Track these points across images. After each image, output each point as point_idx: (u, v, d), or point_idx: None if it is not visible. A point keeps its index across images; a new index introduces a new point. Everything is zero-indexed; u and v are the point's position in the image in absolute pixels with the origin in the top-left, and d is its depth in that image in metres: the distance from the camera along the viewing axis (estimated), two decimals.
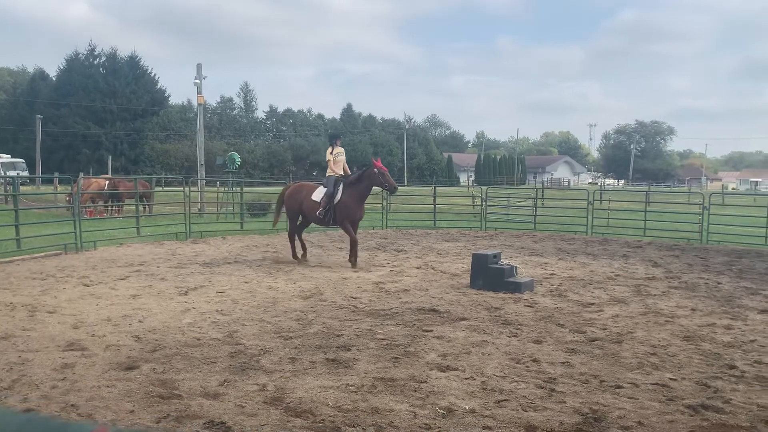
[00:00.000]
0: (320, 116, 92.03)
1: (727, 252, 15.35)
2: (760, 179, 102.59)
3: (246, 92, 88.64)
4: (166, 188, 34.76)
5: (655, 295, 9.54)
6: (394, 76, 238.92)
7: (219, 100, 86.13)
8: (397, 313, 7.94)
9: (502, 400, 4.95)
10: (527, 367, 5.85)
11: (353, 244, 11.77)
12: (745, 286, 10.48)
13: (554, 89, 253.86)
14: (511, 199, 27.09)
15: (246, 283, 9.93)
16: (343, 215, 11.78)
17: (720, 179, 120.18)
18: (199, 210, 22.51)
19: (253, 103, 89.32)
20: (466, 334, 6.97)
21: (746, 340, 6.96)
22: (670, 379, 5.55)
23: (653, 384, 5.40)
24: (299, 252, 12.53)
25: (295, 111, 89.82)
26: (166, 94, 73.79)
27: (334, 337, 6.74)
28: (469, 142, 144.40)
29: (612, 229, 19.57)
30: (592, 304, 8.76)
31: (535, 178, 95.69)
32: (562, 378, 5.53)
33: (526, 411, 4.75)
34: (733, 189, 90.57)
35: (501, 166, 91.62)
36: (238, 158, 25.69)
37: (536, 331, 7.14)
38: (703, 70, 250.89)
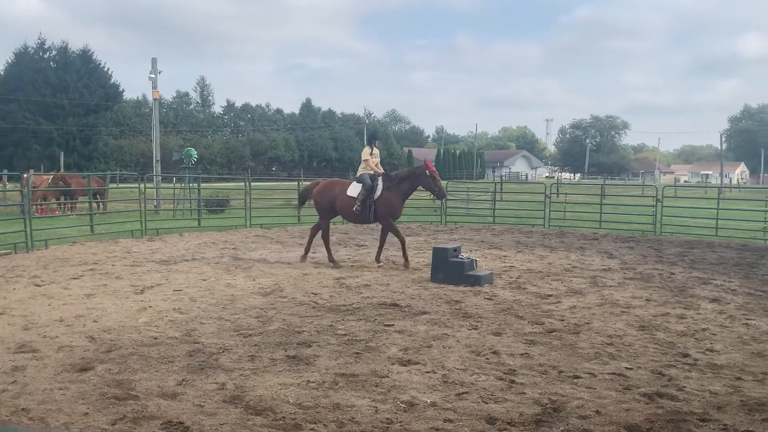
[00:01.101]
0: (279, 111, 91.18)
1: (679, 243, 15.78)
2: (710, 172, 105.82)
3: (203, 87, 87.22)
4: (120, 185, 34.01)
5: (611, 286, 9.73)
6: (354, 71, 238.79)
7: (175, 95, 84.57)
8: (358, 308, 7.92)
9: (462, 393, 4.98)
10: (487, 359, 5.89)
11: (402, 243, 11.39)
12: (697, 276, 10.78)
13: (512, 85, 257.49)
14: (470, 193, 27.33)
15: (204, 280, 9.76)
16: (385, 211, 11.38)
17: (672, 172, 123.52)
18: (155, 207, 22.07)
19: (210, 97, 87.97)
20: (427, 327, 6.99)
21: (698, 328, 7.15)
22: (627, 368, 5.67)
23: (610, 373, 5.51)
24: (308, 252, 12.01)
25: (254, 106, 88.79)
26: (120, 89, 72.01)
27: (295, 333, 6.68)
28: (429, 137, 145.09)
29: (569, 222, 19.92)
30: (550, 295, 8.89)
31: (493, 172, 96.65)
32: (521, 369, 5.59)
33: (486, 403, 4.79)
34: (685, 182, 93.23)
35: (460, 161, 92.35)
36: (194, 154, 25.25)
37: (496, 324, 7.21)
38: (657, 66, 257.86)
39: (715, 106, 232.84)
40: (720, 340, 6.69)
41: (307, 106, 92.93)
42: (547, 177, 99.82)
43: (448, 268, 9.69)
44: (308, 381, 5.20)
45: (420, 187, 11.70)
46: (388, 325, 7.04)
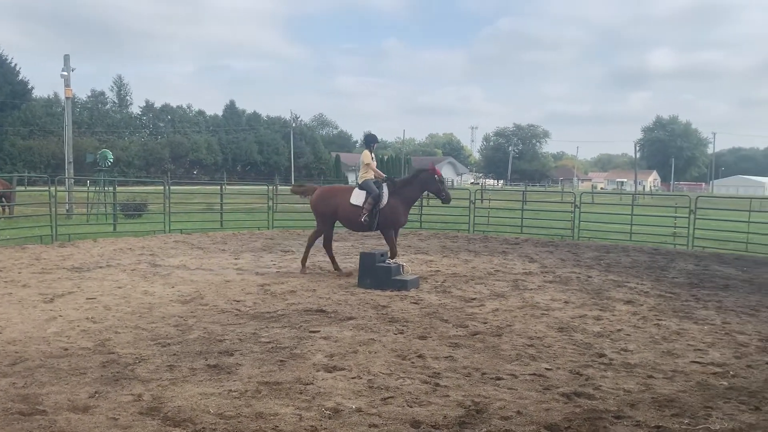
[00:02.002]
0: (201, 113, 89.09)
1: (596, 247, 16.42)
2: (625, 180, 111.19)
3: (120, 86, 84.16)
4: (29, 188, 32.24)
5: (531, 289, 10.00)
6: (280, 74, 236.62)
7: (90, 94, 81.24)
8: (283, 315, 7.78)
9: (388, 398, 4.97)
10: (413, 363, 5.91)
11: (393, 254, 10.86)
12: (612, 279, 11.24)
13: (438, 92, 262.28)
14: None
15: (119, 288, 9.35)
16: (389, 221, 10.84)
17: (590, 179, 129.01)
18: (67, 211, 21.01)
19: (128, 97, 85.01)
20: (353, 333, 6.95)
21: (614, 329, 7.44)
22: (546, 369, 5.82)
23: (531, 374, 5.64)
24: (306, 261, 11.49)
25: (174, 107, 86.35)
26: (30, 87, 68.50)
27: (216, 342, 6.48)
28: (356, 141, 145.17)
29: (492, 227, 20.38)
30: (474, 299, 9.04)
31: None
32: (446, 372, 5.64)
33: (411, 407, 4.79)
34: (601, 188, 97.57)
35: (388, 167, 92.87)
36: (110, 156, 24.16)
37: (422, 327, 7.25)
38: (574, 78, 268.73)
39: (629, 116, 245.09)
40: (633, 340, 6.97)
41: (230, 108, 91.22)
42: (472, 183, 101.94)
43: (376, 273, 9.69)
44: (230, 390, 5.05)
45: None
46: (314, 332, 6.95)
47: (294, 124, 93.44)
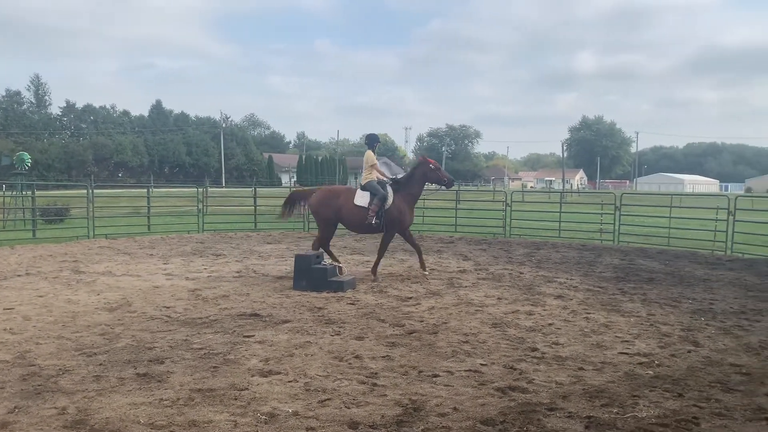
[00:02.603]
0: (126, 113, 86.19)
1: (527, 244, 16.82)
2: (553, 178, 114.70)
3: (37, 85, 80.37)
4: None
5: (466, 286, 10.14)
6: (209, 73, 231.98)
7: (4, 93, 77.09)
8: (215, 320, 7.59)
9: (325, 400, 4.92)
10: (350, 364, 5.88)
11: (380, 257, 10.99)
12: (542, 274, 11.54)
13: (372, 93, 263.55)
14: None
15: (40, 297, 8.89)
16: (396, 221, 10.72)
17: (520, 179, 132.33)
18: None
19: (47, 97, 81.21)
20: (289, 336, 6.85)
21: (545, 323, 7.63)
22: (481, 364, 5.90)
23: (466, 370, 5.70)
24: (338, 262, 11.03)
25: (97, 107, 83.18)
26: None
27: (146, 350, 6.25)
28: (290, 142, 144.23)
29: (427, 226, 20.58)
30: (410, 297, 9.08)
31: (356, 179, 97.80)
32: (383, 372, 5.63)
33: (349, 408, 4.76)
34: (531, 187, 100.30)
35: (323, 167, 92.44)
36: (28, 158, 22.97)
37: (358, 328, 7.22)
38: (503, 79, 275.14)
39: (557, 117, 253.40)
40: (564, 333, 7.17)
41: (157, 108, 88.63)
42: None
43: (311, 275, 9.59)
44: (161, 399, 4.88)
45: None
46: (248, 336, 6.81)
47: (224, 125, 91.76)
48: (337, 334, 6.94)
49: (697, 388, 5.34)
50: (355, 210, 10.69)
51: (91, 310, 8.05)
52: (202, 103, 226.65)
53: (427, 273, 11.12)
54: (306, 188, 12.41)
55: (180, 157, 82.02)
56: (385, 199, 10.63)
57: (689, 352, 6.49)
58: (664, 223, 17.83)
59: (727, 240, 15.29)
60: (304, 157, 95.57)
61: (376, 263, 11.02)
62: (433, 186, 11.28)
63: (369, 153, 11.05)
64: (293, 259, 10.09)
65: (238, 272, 11.32)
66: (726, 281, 11.12)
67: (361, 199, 10.71)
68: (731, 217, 15.27)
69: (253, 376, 5.49)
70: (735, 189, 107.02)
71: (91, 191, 17.81)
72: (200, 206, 19.82)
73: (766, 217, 18.60)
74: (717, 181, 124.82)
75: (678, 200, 21.93)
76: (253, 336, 6.82)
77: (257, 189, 23.67)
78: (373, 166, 10.95)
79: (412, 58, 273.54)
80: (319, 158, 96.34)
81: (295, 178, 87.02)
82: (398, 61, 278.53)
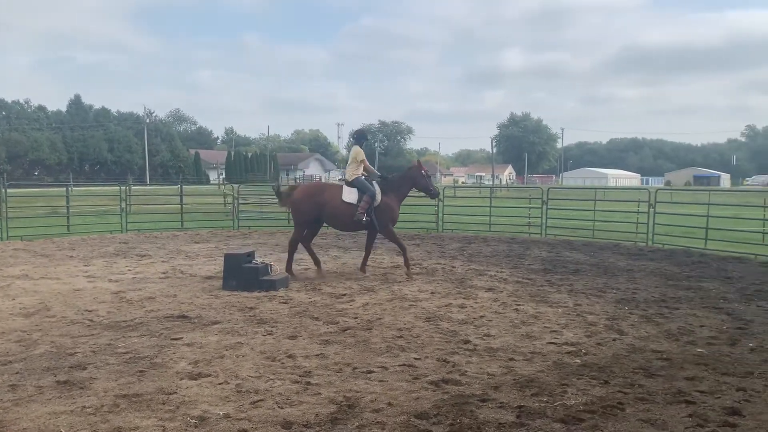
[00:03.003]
0: (42, 108, 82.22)
1: (459, 239, 17.07)
2: (483, 174, 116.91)
3: None
4: None
5: (399, 282, 10.17)
6: (131, 67, 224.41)
7: None
8: (141, 323, 7.30)
9: (257, 401, 4.81)
10: (283, 363, 5.78)
11: (367, 254, 10.94)
12: (474, 268, 11.72)
13: (304, 88, 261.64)
14: (264, 196, 26.98)
15: None
16: (386, 218, 10.60)
17: (452, 174, 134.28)
18: None
19: None
20: (219, 338, 6.67)
21: (477, 316, 7.74)
22: (415, 358, 5.92)
23: (401, 365, 5.71)
24: (299, 265, 11.05)
25: (9, 102, 79.00)
26: None
27: (66, 356, 5.95)
28: (218, 138, 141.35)
29: None
30: (344, 294, 9.03)
31: (287, 175, 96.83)
32: (317, 370, 5.57)
33: (282, 408, 4.68)
34: (462, 183, 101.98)
35: (253, 164, 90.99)
36: None
37: (291, 327, 7.12)
38: (434, 76, 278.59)
39: (486, 113, 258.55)
40: (495, 325, 7.29)
41: (76, 103, 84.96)
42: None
43: (242, 275, 9.38)
44: (83, 407, 4.65)
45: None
46: (176, 339, 6.59)
47: (148, 120, 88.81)
48: (270, 334, 6.82)
49: (621, 374, 5.53)
50: (342, 207, 10.49)
51: (5, 316, 7.60)
52: (125, 98, 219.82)
53: (410, 274, 10.72)
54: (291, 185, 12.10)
55: (101, 154, 78.84)
56: (374, 196, 10.51)
57: (614, 340, 6.73)
58: (588, 216, 18.46)
59: (648, 231, 15.97)
60: (233, 153, 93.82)
61: (365, 260, 10.99)
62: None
63: (357, 149, 10.92)
64: (222, 258, 9.85)
65: (164, 273, 10.96)
66: (647, 271, 11.61)
67: (350, 195, 10.53)
68: (652, 210, 15.96)
69: (181, 379, 5.32)
70: (655, 182, 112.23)
71: (4, 191, 16.87)
72: (123, 205, 19.10)
73: (684, 209, 19.54)
74: (638, 175, 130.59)
75: (602, 194, 22.78)
76: (182, 338, 6.61)
77: (184, 186, 23.03)
78: (362, 162, 10.81)
79: (343, 53, 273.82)
80: (249, 154, 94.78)
81: (223, 175, 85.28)
82: (329, 56, 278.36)
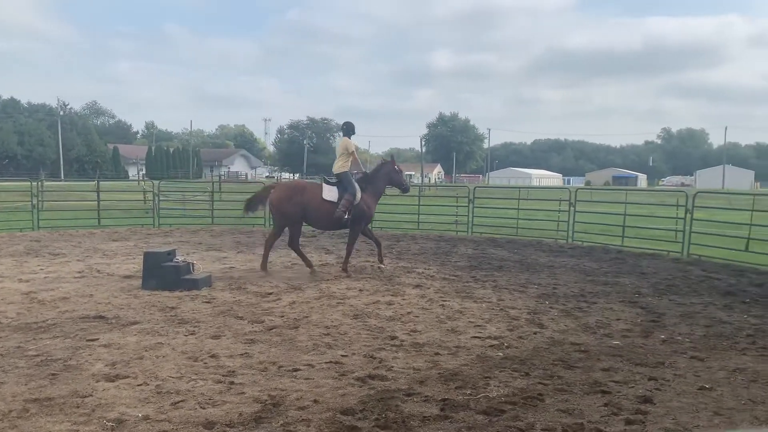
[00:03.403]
0: None
1: (388, 237, 17.14)
2: (413, 172, 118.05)
3: None
4: None
5: (328, 280, 10.12)
6: (43, 56, 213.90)
7: None
8: (54, 324, 6.95)
9: (178, 402, 4.68)
10: (205, 363, 5.64)
11: (349, 252, 10.88)
12: (402, 265, 11.80)
13: (229, 82, 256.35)
14: (186, 193, 26.29)
15: None
16: (363, 215, 10.62)
17: None
18: None
19: None
20: (138, 338, 6.44)
21: (404, 312, 7.80)
22: (342, 355, 5.91)
23: (327, 362, 5.68)
24: (270, 263, 10.84)
25: None
26: None
27: None
28: (138, 132, 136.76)
29: None
30: (270, 293, 8.90)
31: (211, 171, 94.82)
32: (241, 369, 5.46)
33: (204, 408, 4.57)
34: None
35: (175, 159, 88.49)
36: None
37: (215, 327, 6.95)
38: (364, 73, 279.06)
39: (416, 112, 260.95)
40: (422, 321, 7.37)
41: None
42: (267, 177, 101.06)
43: (162, 274, 9.09)
44: None
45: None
46: (92, 340, 6.32)
47: (62, 113, 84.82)
48: (192, 334, 6.63)
49: (542, 366, 5.70)
50: (324, 206, 10.36)
51: None
52: (36, 89, 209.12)
53: (383, 266, 11.14)
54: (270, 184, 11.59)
55: (10, 148, 74.61)
56: (355, 194, 10.44)
57: (535, 333, 6.93)
58: (513, 214, 18.95)
59: (568, 229, 16.54)
60: (153, 148, 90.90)
61: (347, 259, 10.90)
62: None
63: (347, 140, 10.76)
64: (142, 256, 9.51)
65: (79, 272, 10.48)
66: (567, 267, 12.03)
67: (330, 193, 10.42)
68: (572, 208, 16.55)
69: (98, 381, 5.11)
70: (576, 182, 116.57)
71: None
72: (35, 201, 18.14)
73: (603, 207, 20.36)
74: (561, 175, 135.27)
75: (525, 193, 23.39)
76: (98, 339, 6.34)
77: (101, 182, 22.12)
78: (352, 153, 10.69)
79: (270, 48, 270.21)
80: (171, 150, 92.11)
81: (143, 171, 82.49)
82: (255, 50, 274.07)
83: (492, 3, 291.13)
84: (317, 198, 10.40)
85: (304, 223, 10.82)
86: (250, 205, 10.92)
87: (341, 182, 10.55)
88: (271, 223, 19.25)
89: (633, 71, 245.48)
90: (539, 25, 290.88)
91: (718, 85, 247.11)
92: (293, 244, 10.77)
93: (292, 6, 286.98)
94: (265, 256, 10.73)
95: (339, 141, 10.98)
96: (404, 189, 11.58)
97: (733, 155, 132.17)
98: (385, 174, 11.14)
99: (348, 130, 11.11)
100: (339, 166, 10.68)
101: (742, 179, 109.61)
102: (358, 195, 10.54)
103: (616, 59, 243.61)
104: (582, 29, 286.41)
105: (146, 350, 6.01)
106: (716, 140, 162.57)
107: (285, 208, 10.41)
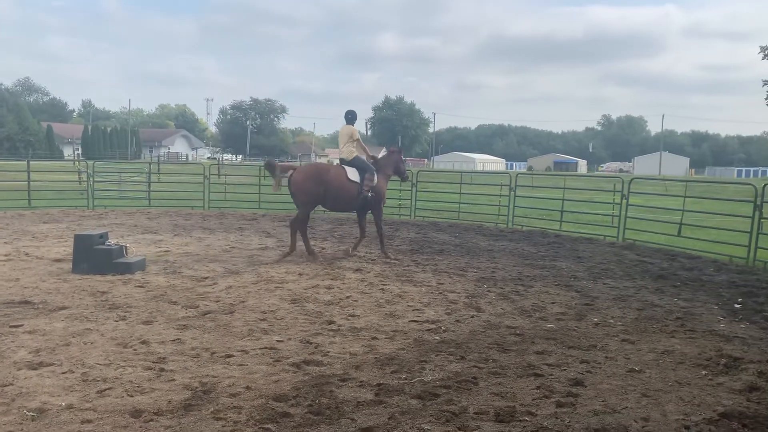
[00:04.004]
0: None
1: (330, 220, 17.06)
2: None
3: None
4: None
5: (266, 263, 9.98)
6: None
7: None
8: None
9: (105, 390, 4.53)
10: (135, 350, 5.47)
11: (382, 234, 11.26)
12: (344, 249, 11.73)
13: (169, 60, 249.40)
14: (123, 174, 25.45)
15: None
16: (382, 196, 11.14)
17: (327, 155, 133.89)
18: None
19: None
20: (65, 324, 6.19)
21: (343, 296, 7.76)
22: (278, 341, 5.83)
23: (262, 348, 5.59)
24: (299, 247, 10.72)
25: None
26: None
27: None
28: (74, 111, 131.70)
29: (229, 203, 19.95)
30: (207, 278, 8.71)
31: (151, 152, 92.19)
32: (172, 356, 5.32)
33: (132, 396, 4.43)
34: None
35: (113, 139, 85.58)
36: None
37: (147, 312, 6.75)
38: (309, 55, 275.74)
39: (362, 95, 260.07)
40: (360, 305, 7.35)
41: None
42: (209, 158, 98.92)
43: (94, 257, 8.77)
44: None
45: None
46: (16, 326, 6.04)
47: None
48: (123, 320, 6.43)
49: (477, 350, 5.76)
50: (348, 186, 10.59)
51: None
52: None
53: (355, 255, 11.12)
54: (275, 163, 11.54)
55: None
56: (374, 174, 10.85)
57: (472, 317, 7.01)
58: (455, 198, 19.12)
59: (509, 214, 16.82)
60: (90, 127, 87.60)
61: (383, 243, 11.22)
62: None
63: (351, 128, 11.03)
64: (73, 239, 9.15)
65: (6, 255, 10.00)
66: (507, 251, 12.23)
67: (354, 174, 10.67)
68: (512, 193, 16.81)
69: (20, 369, 4.89)
70: (519, 167, 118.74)
71: None
72: None
73: (543, 192, 20.80)
74: (504, 160, 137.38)
75: (468, 178, 23.68)
76: (22, 325, 6.07)
77: (33, 162, 21.16)
78: (358, 140, 10.98)
79: (211, 26, 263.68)
80: (108, 129, 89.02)
81: (79, 151, 79.47)
82: (196, 28, 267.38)
83: None
84: (342, 178, 10.62)
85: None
86: (271, 167, 11.23)
87: (357, 166, 10.83)
88: (210, 206, 18.91)
89: (575, 59, 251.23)
90: (483, 10, 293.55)
91: (656, 73, 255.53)
92: (301, 226, 10.79)
93: None
94: (307, 242, 10.85)
95: (342, 129, 11.18)
96: (405, 178, 12.36)
97: (669, 142, 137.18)
98: (393, 162, 11.60)
99: (352, 118, 11.31)
100: (348, 152, 10.93)
101: (678, 166, 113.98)
102: (376, 176, 10.92)
103: (558, 47, 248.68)
104: (525, 16, 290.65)
105: (73, 336, 5.79)
106: (654, 128, 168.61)
107: (309, 187, 10.47)
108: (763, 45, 11.70)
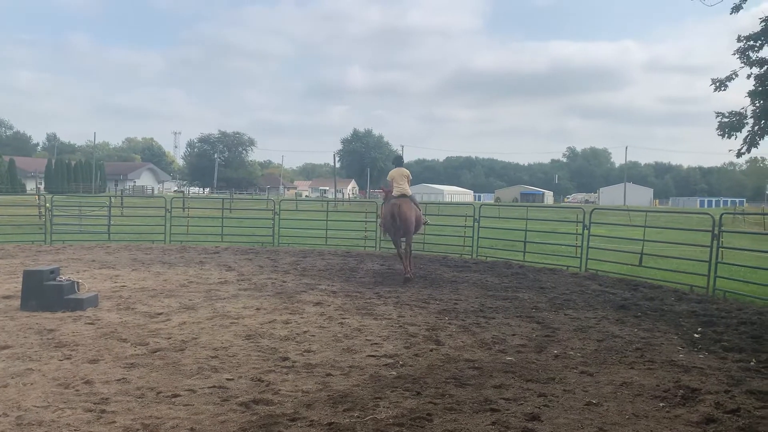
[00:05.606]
0: None
1: (294, 253, 16.84)
2: (328, 188, 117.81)
3: None
4: None
5: (224, 298, 9.74)
6: None
7: None
8: None
9: None
10: (77, 390, 5.22)
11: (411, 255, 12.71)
12: (306, 282, 11.56)
13: (136, 93, 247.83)
14: (83, 208, 24.90)
15: None
16: (419, 227, 13.11)
17: (296, 188, 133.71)
18: None
19: None
20: (5, 364, 5.91)
21: (300, 331, 7.58)
22: (228, 379, 5.63)
23: (210, 387, 5.39)
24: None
25: None
26: None
27: None
28: (38, 144, 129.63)
29: (192, 237, 19.61)
30: (161, 313, 8.44)
31: (116, 185, 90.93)
32: (115, 396, 5.09)
33: None
34: (306, 196, 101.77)
35: (77, 173, 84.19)
36: None
37: (94, 350, 6.49)
38: (278, 88, 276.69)
39: (330, 128, 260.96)
40: (318, 340, 7.18)
41: None
42: (175, 191, 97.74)
43: (43, 293, 8.47)
44: None
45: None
46: None
47: None
48: (68, 359, 6.16)
49: (434, 385, 5.64)
50: (420, 216, 12.83)
51: None
52: None
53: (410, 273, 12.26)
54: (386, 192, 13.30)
55: None
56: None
57: (431, 350, 6.89)
58: (421, 229, 19.08)
59: (473, 244, 16.83)
60: (54, 161, 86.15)
61: (411, 262, 12.57)
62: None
63: (405, 170, 12.73)
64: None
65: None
66: (470, 282, 12.18)
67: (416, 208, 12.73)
68: (476, 224, 16.85)
69: None
70: (487, 198, 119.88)
71: None
72: None
73: (508, 224, 20.88)
74: (472, 192, 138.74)
75: (435, 209, 23.71)
76: None
77: None
78: (407, 177, 12.67)
79: (179, 60, 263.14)
80: (73, 163, 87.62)
81: (43, 185, 77.89)
82: (164, 62, 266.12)
83: (404, 23, 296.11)
84: (414, 209, 12.48)
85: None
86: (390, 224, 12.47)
87: (413, 200, 12.73)
88: (172, 239, 18.56)
89: (539, 92, 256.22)
90: (449, 46, 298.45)
91: (619, 106, 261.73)
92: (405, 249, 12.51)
93: (202, 20, 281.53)
94: (405, 263, 12.36)
95: (399, 170, 12.67)
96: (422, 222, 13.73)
97: (633, 173, 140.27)
98: (415, 198, 13.11)
99: (399, 161, 13.18)
100: (405, 189, 12.57)
101: (642, 196, 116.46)
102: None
103: (522, 81, 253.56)
104: (489, 51, 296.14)
105: (12, 377, 5.52)
106: (618, 159, 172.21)
107: (413, 217, 12.35)
108: (714, 77, 11.88)
